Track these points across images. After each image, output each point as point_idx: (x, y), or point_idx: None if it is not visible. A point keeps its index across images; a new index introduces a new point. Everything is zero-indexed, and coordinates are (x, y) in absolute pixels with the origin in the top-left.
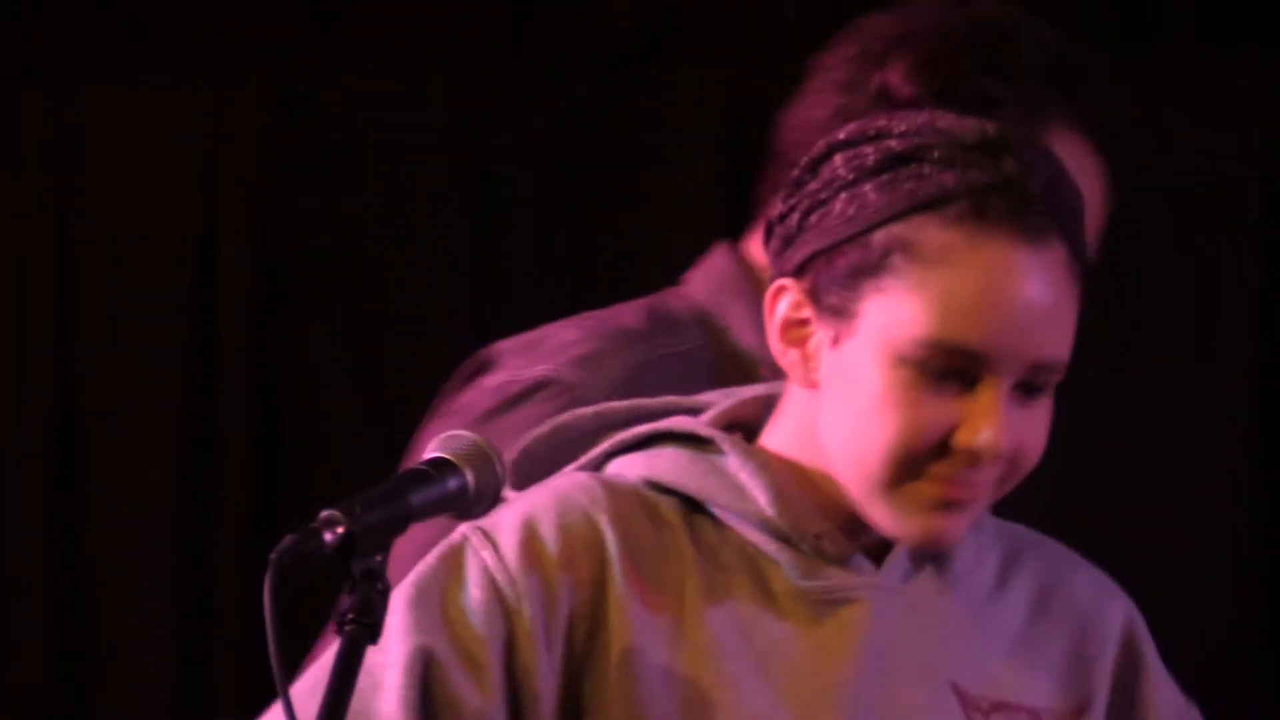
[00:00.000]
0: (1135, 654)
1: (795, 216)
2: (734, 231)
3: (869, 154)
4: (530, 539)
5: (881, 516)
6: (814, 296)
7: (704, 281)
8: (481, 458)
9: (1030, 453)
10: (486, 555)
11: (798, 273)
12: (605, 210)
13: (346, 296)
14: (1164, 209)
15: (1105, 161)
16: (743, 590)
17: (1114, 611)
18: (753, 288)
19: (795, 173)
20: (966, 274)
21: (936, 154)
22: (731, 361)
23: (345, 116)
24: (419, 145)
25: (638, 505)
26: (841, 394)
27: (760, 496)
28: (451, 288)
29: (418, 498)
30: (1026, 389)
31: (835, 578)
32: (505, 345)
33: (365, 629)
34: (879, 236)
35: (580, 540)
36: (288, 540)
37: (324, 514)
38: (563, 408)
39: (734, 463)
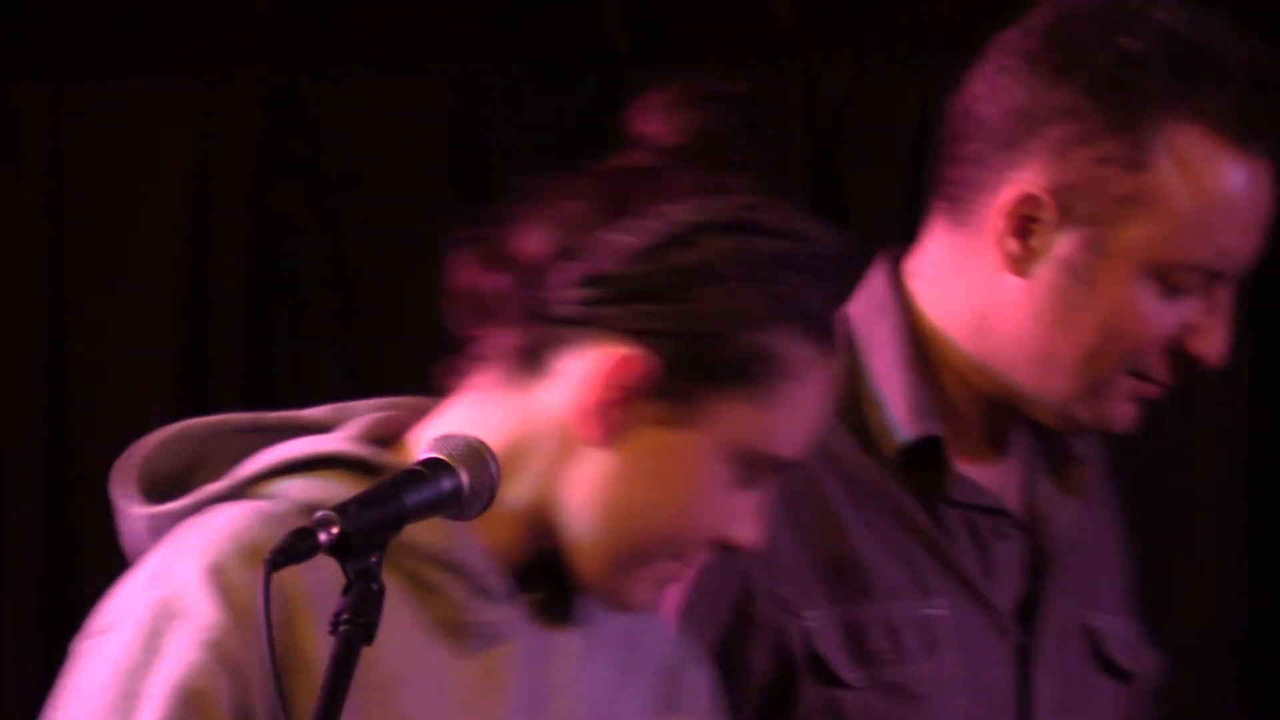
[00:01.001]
0: (679, 689)
1: (647, 283)
2: None
3: (748, 249)
4: (222, 588)
5: (603, 578)
6: (664, 373)
7: (860, 297)
8: (476, 458)
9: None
10: (190, 621)
11: (646, 340)
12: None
13: (339, 296)
14: None
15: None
16: (411, 620)
17: (691, 658)
18: (901, 311)
19: (640, 234)
20: (811, 391)
21: (804, 261)
22: (854, 383)
23: (338, 117)
24: (412, 147)
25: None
26: (650, 469)
27: (432, 529)
28: (446, 288)
29: (412, 498)
30: None
31: (493, 613)
32: None
33: (360, 630)
34: (750, 342)
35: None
36: (282, 541)
37: (319, 514)
38: None
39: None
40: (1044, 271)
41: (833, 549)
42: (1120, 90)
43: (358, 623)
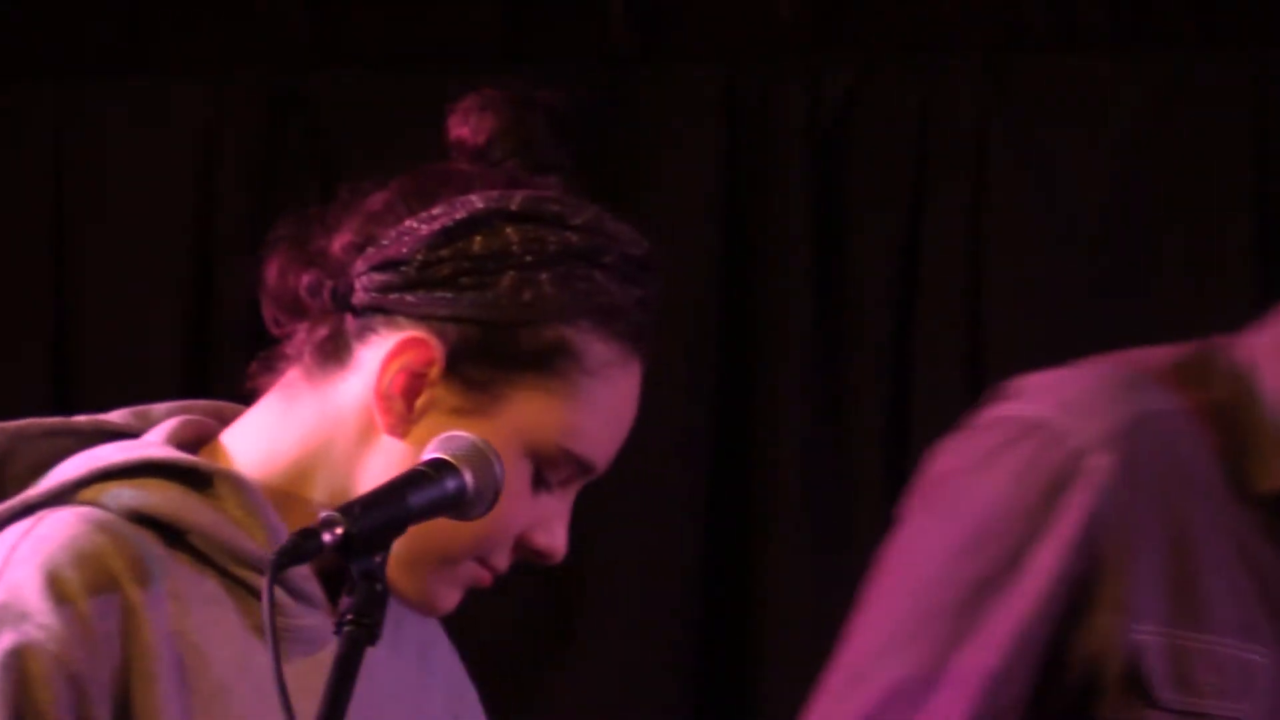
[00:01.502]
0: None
1: (445, 269)
2: (731, 230)
3: (549, 241)
4: (63, 600)
5: (407, 582)
6: (453, 361)
7: (1267, 330)
8: (480, 458)
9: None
10: (32, 631)
11: (439, 330)
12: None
13: None
14: (1158, 208)
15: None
16: (236, 625)
17: (455, 668)
18: None
19: (443, 219)
20: (614, 392)
21: (608, 260)
22: (1241, 414)
23: (341, 116)
24: (416, 144)
25: (135, 544)
26: None
27: (257, 535)
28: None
29: (416, 499)
30: None
31: (311, 619)
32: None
33: (364, 629)
34: (549, 333)
35: (105, 592)
36: (287, 541)
37: (323, 515)
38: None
39: (232, 501)
40: None
41: (1181, 572)
42: None
43: (362, 623)
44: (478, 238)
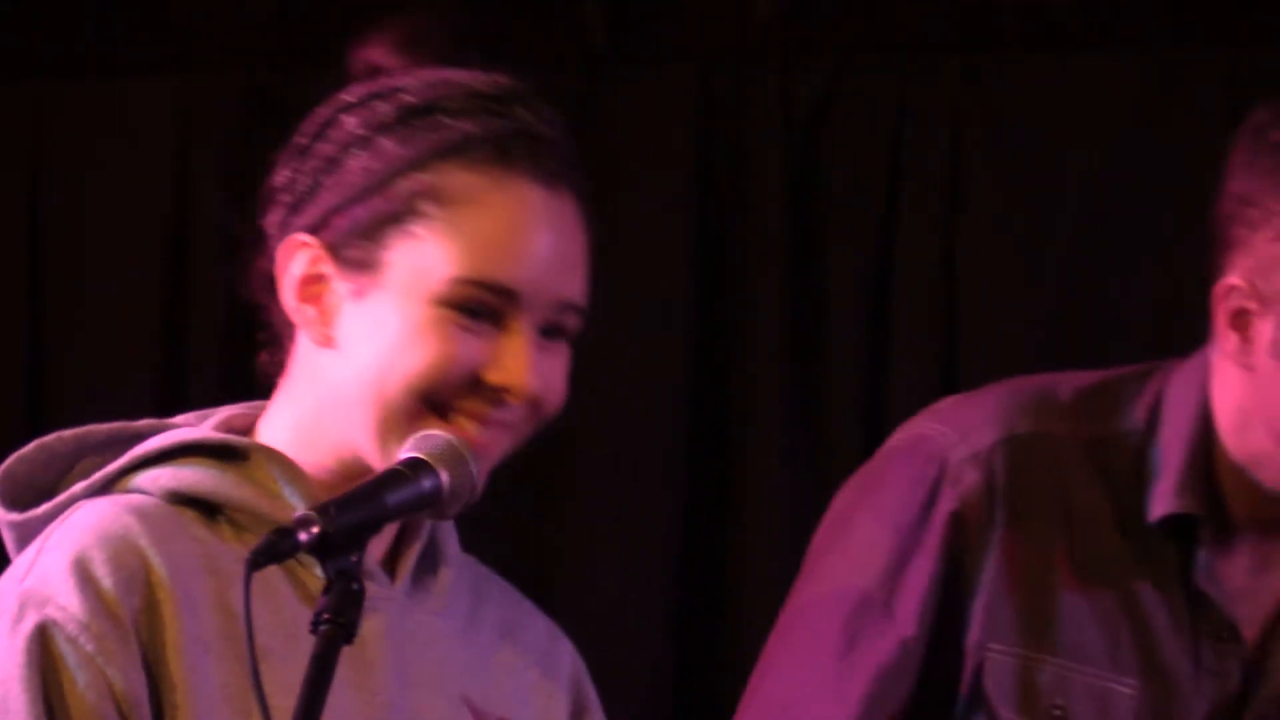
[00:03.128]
0: (583, 695)
1: (305, 179)
2: (705, 230)
3: (383, 110)
4: (86, 578)
5: (390, 451)
6: (333, 251)
7: (1186, 369)
8: (456, 458)
9: (553, 397)
10: (52, 612)
11: (313, 230)
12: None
13: None
14: (1133, 208)
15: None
16: (284, 594)
17: (564, 653)
18: (1203, 392)
19: (300, 140)
20: (494, 213)
21: (453, 104)
22: (1139, 452)
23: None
24: None
25: (170, 523)
26: (367, 341)
27: (297, 505)
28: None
29: (393, 498)
30: (550, 332)
31: (383, 590)
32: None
33: (340, 629)
34: (403, 185)
35: (130, 570)
36: (263, 540)
37: (299, 514)
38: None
39: (264, 472)
40: (1260, 360)
41: (1040, 594)
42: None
43: (338, 622)
44: (325, 139)
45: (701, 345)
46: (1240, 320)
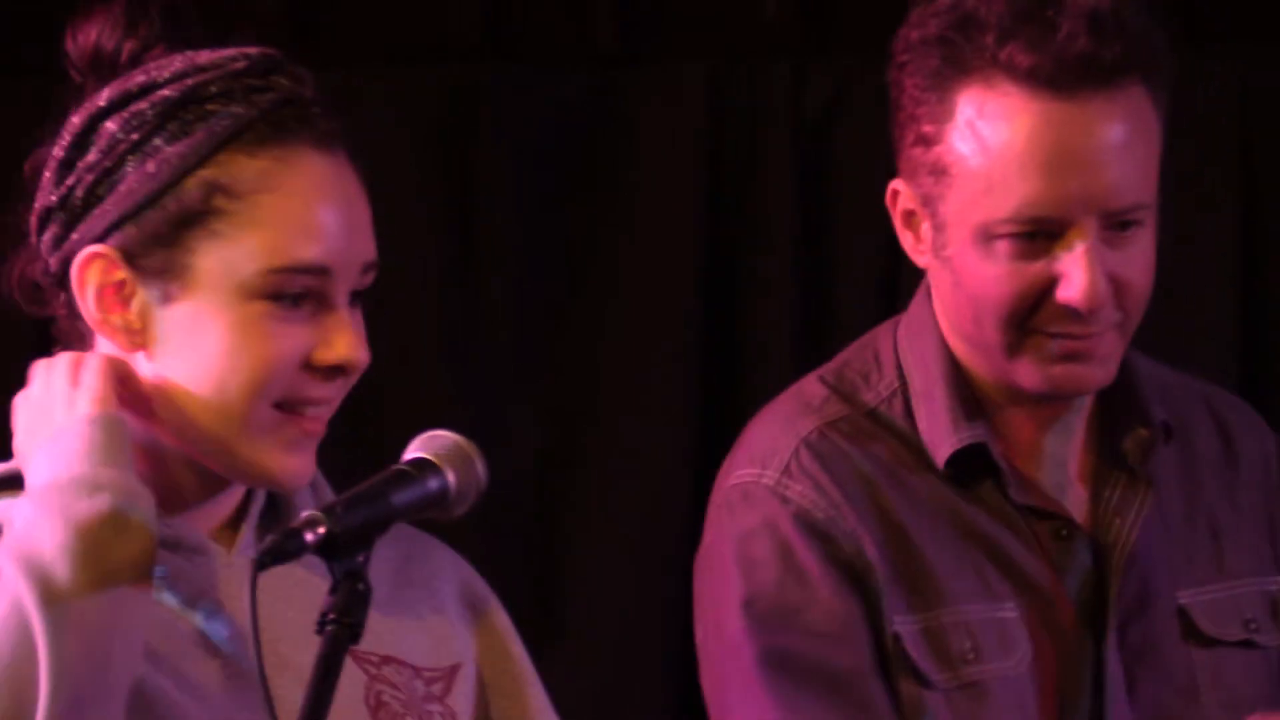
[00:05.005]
0: (478, 601)
1: (79, 193)
2: (715, 230)
3: (144, 109)
4: None
5: (247, 455)
6: (130, 260)
7: (904, 321)
8: (463, 458)
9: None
10: None
11: (101, 240)
12: (588, 209)
13: None
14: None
15: None
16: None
17: (450, 577)
18: (935, 329)
19: (59, 153)
20: (287, 196)
21: (214, 89)
22: (905, 403)
23: None
24: (400, 145)
25: None
26: (188, 346)
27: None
28: (433, 288)
29: (399, 498)
30: (352, 297)
31: (200, 565)
32: None
33: (346, 629)
34: (191, 185)
35: None
36: (269, 541)
37: (305, 514)
38: None
39: None
40: (929, 260)
41: (906, 559)
42: (918, 74)
43: (344, 622)
44: (89, 149)
45: (710, 344)
46: (910, 220)
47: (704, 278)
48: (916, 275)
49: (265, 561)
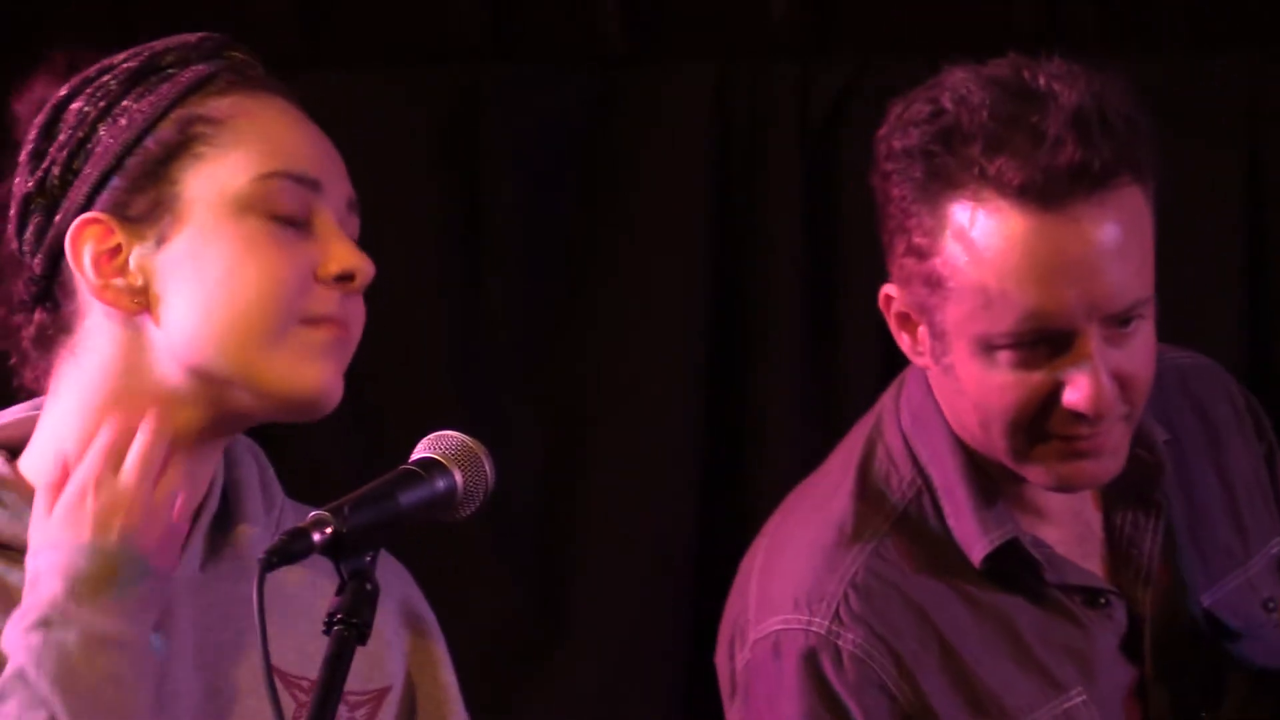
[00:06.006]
0: (418, 621)
1: (55, 173)
2: (722, 230)
3: (109, 82)
4: None
5: (272, 376)
6: (120, 213)
7: (904, 409)
8: (470, 458)
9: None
10: None
11: (87, 208)
12: (591, 210)
13: None
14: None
15: None
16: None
17: (392, 591)
18: (941, 419)
19: (28, 148)
20: (264, 120)
21: (171, 58)
22: (932, 498)
23: (331, 116)
24: (406, 145)
25: None
26: (193, 280)
27: (23, 516)
28: (437, 287)
29: (406, 498)
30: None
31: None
32: None
33: (354, 629)
34: (167, 124)
35: None
36: (276, 541)
37: (313, 515)
38: None
39: (8, 498)
40: (928, 361)
41: (966, 686)
42: (905, 185)
43: (351, 622)
44: (58, 133)
45: (717, 342)
46: (905, 323)
47: (707, 279)
48: None
49: (273, 561)
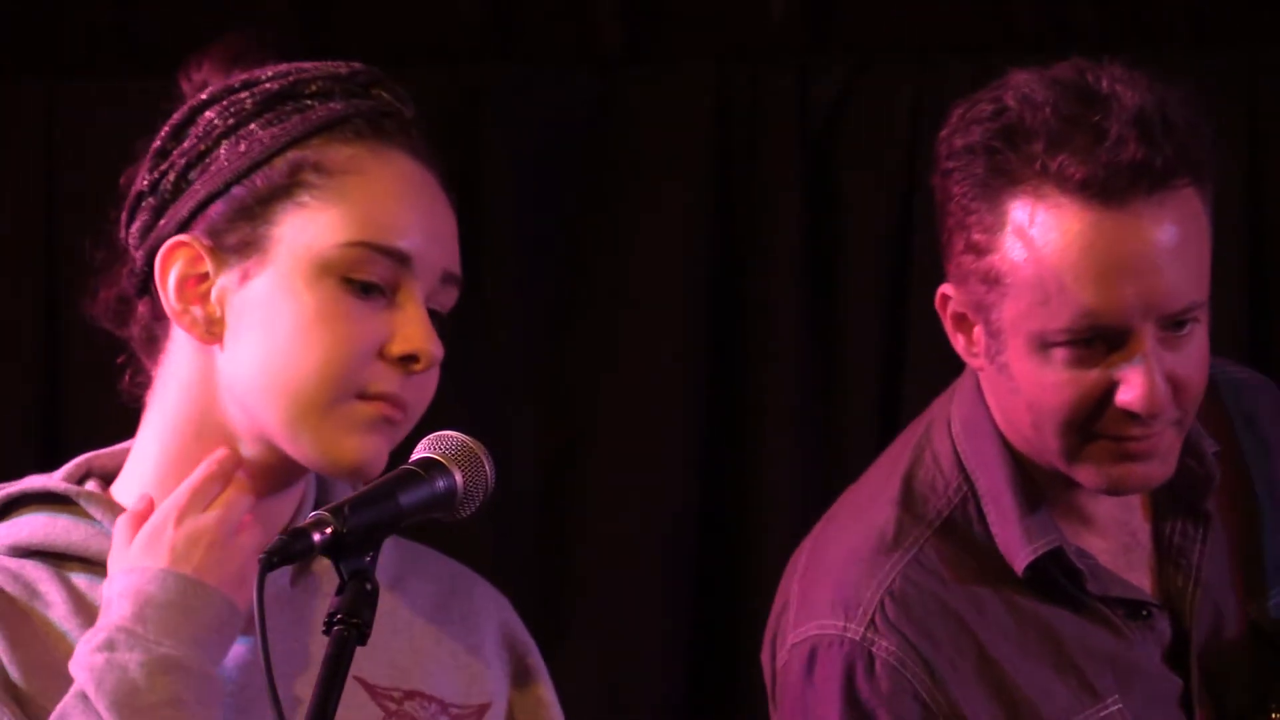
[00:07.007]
0: (520, 649)
1: (170, 178)
2: (722, 230)
3: (245, 99)
4: None
5: (313, 442)
6: (214, 239)
7: (956, 413)
8: (470, 458)
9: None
10: None
11: (186, 228)
12: (591, 210)
13: None
14: None
15: None
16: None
17: (492, 615)
18: (992, 425)
19: (156, 144)
20: (377, 182)
21: (315, 87)
22: (976, 505)
23: None
24: None
25: (6, 576)
26: (263, 327)
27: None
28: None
29: (407, 498)
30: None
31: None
32: None
33: (354, 629)
34: (281, 162)
35: None
36: (277, 541)
37: (313, 515)
38: None
39: (96, 512)
40: (983, 362)
41: (1003, 694)
42: (965, 182)
43: (351, 622)
44: (185, 137)
45: (716, 342)
46: (961, 323)
47: (708, 278)
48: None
49: (273, 561)
